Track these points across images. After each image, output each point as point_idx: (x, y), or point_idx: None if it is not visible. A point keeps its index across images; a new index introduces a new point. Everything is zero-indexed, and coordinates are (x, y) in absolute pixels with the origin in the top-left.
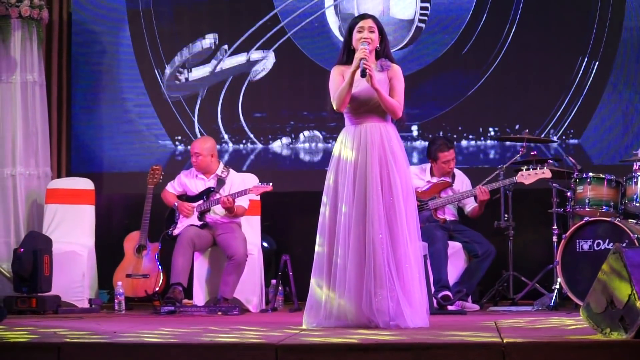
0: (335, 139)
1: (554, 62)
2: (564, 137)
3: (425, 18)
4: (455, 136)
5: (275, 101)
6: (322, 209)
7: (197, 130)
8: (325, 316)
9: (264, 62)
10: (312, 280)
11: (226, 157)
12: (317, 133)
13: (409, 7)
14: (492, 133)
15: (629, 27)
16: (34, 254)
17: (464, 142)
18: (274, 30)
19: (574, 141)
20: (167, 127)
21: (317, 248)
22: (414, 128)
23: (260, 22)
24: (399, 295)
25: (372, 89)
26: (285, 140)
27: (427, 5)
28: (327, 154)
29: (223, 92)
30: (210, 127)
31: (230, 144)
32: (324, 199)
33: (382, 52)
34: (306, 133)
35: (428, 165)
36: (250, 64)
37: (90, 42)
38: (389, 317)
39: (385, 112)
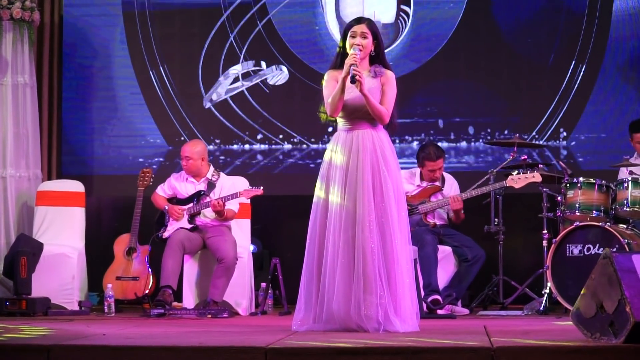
0: (327, 143)
1: (542, 66)
2: (550, 141)
3: (408, 21)
4: (445, 140)
5: (268, 104)
6: (312, 214)
7: (192, 131)
8: (314, 320)
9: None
10: (302, 285)
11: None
12: (308, 137)
13: (389, 10)
14: (482, 136)
15: (615, 31)
16: (13, 256)
17: (454, 146)
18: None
19: (559, 144)
20: (159, 129)
21: (306, 253)
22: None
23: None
24: (388, 301)
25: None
26: (276, 143)
27: (407, 9)
28: (319, 157)
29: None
30: (202, 129)
31: (222, 146)
32: (314, 203)
33: (377, 58)
34: (297, 136)
35: (418, 170)
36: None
37: (81, 44)
38: (378, 324)
39: None
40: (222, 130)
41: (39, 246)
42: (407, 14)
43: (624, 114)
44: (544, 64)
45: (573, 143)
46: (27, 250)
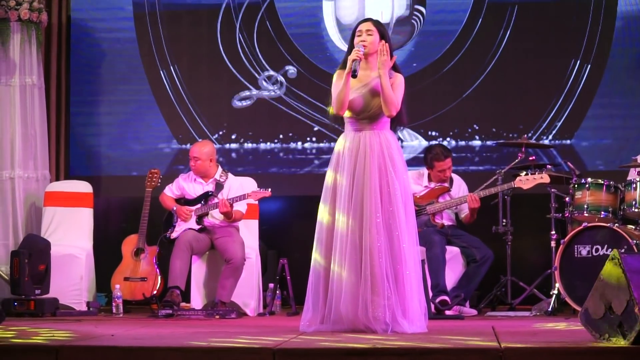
0: (334, 143)
1: (547, 65)
2: (557, 141)
3: (416, 21)
4: (451, 140)
5: (276, 105)
6: (319, 215)
7: (202, 130)
8: (322, 321)
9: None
10: (309, 285)
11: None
12: (316, 137)
13: (385, 12)
14: (490, 137)
15: (620, 30)
16: (11, 256)
17: (461, 146)
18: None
19: (565, 143)
20: (169, 129)
21: (314, 254)
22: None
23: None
24: (396, 302)
25: (372, 96)
26: (284, 142)
27: (421, 7)
28: (326, 158)
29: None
30: (212, 129)
31: (230, 145)
32: (322, 205)
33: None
34: (306, 136)
35: (426, 171)
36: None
37: (89, 45)
38: (386, 325)
39: (386, 120)
40: (232, 131)
41: (45, 245)
42: (421, 13)
43: (630, 114)
44: (549, 63)
45: (579, 143)
46: (21, 251)
